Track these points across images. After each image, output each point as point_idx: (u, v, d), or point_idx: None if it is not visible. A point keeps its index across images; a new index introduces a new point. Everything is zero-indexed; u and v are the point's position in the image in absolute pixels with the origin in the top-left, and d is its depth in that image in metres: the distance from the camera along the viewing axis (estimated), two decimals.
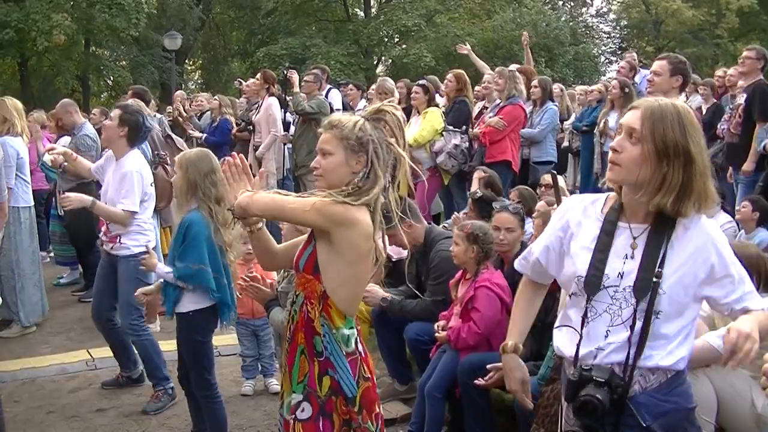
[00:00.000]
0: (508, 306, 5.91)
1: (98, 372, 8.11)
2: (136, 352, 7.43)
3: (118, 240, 7.08)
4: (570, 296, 3.37)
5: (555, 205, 4.52)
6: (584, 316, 3.26)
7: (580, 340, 3.27)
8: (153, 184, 7.38)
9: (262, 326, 7.30)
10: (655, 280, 3.11)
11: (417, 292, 6.65)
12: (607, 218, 3.28)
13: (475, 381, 5.15)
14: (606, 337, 3.22)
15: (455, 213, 8.81)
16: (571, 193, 9.75)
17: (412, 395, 6.90)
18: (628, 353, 3.17)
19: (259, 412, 7.01)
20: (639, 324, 3.14)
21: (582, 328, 3.26)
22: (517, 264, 3.78)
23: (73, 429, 6.80)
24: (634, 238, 3.20)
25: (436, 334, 6.19)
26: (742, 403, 4.74)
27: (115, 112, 7.19)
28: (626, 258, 3.20)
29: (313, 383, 3.80)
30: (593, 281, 3.23)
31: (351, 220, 3.61)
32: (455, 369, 5.87)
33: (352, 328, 3.85)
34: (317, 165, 3.78)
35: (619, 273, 3.19)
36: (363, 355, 3.90)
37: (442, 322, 6.24)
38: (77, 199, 7.12)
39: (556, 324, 3.47)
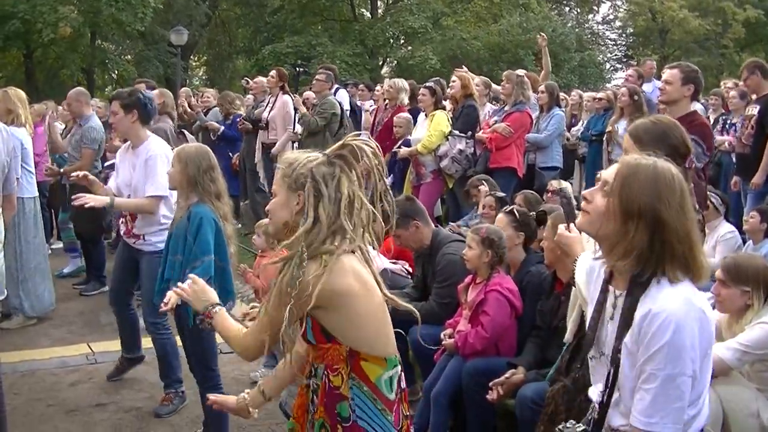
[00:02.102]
0: (517, 311, 5.91)
1: (98, 366, 8.07)
2: (140, 337, 7.46)
3: (142, 238, 6.97)
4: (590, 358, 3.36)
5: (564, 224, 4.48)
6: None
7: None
8: None
9: None
10: (619, 348, 3.05)
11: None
12: (604, 277, 3.24)
13: (487, 396, 5.16)
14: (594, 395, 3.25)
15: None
16: (576, 199, 9.72)
17: (414, 398, 6.88)
18: (593, 417, 3.21)
19: (261, 410, 6.97)
20: (607, 390, 3.12)
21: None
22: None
23: (72, 423, 6.77)
24: (615, 298, 3.14)
25: (443, 342, 6.14)
26: (747, 415, 4.72)
27: (115, 105, 7.03)
28: (608, 321, 3.17)
29: None
30: (587, 342, 3.27)
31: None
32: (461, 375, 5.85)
33: (396, 366, 3.54)
34: (268, 207, 3.60)
35: (604, 338, 3.18)
36: (405, 390, 3.63)
37: (448, 331, 6.19)
38: (95, 200, 6.89)
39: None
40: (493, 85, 12.04)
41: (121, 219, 7.23)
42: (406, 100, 11.69)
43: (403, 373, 3.59)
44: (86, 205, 6.80)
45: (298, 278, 3.29)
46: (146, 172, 6.87)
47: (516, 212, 6.42)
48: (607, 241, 3.05)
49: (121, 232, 7.28)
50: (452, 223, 8.80)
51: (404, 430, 3.59)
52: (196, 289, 3.87)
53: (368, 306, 3.46)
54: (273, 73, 13.45)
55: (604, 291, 3.21)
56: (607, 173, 3.09)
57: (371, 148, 3.45)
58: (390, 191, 3.55)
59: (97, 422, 6.79)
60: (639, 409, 2.94)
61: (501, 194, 8.14)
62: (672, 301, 2.92)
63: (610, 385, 3.09)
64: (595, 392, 3.24)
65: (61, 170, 7.63)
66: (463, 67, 11.83)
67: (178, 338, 6.29)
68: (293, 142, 12.53)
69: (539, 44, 13.89)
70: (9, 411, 5.56)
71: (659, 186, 2.96)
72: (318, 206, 3.37)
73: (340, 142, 3.50)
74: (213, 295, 3.88)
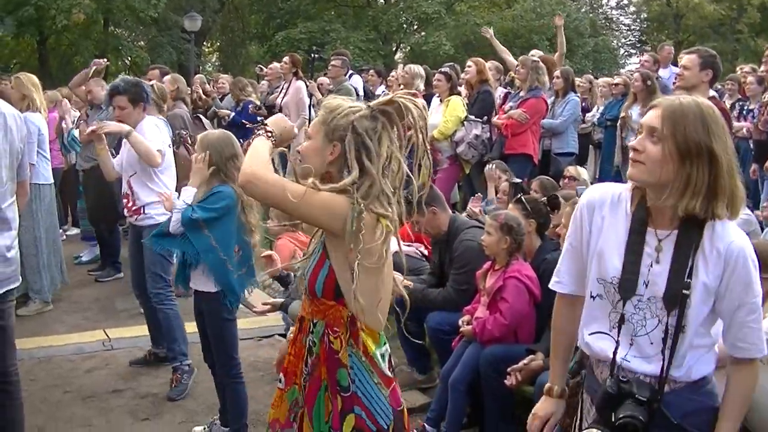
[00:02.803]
0: (536, 299, 5.87)
1: (115, 352, 8.09)
2: None
3: (142, 211, 7.09)
4: (593, 298, 3.27)
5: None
6: (620, 322, 3.19)
7: (616, 348, 3.20)
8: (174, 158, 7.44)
9: None
10: (684, 292, 3.03)
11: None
12: (635, 216, 3.16)
13: (505, 381, 5.12)
14: (631, 346, 3.17)
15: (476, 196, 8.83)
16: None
17: (431, 385, 6.88)
18: (662, 367, 3.11)
19: None
20: (670, 340, 3.08)
21: (619, 335, 3.19)
22: (553, 285, 3.56)
23: (89, 409, 6.78)
24: (659, 241, 3.10)
25: (462, 329, 6.12)
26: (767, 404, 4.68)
27: (122, 100, 7.11)
28: (651, 265, 3.11)
29: (336, 422, 3.43)
30: (628, 286, 3.13)
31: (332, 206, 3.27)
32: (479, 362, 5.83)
33: (385, 343, 3.54)
34: (299, 148, 3.53)
35: (645, 282, 3.11)
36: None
37: (466, 317, 6.18)
38: (115, 126, 7.10)
39: (587, 329, 3.34)
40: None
41: (123, 199, 7.34)
42: (421, 87, 11.63)
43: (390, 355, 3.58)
44: (105, 131, 7.03)
45: (360, 231, 3.22)
46: (143, 134, 7.04)
47: (524, 200, 6.39)
48: (671, 187, 3.00)
49: (125, 212, 7.40)
50: (472, 204, 8.72)
51: (405, 412, 3.57)
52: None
53: (387, 278, 3.44)
54: (286, 59, 13.42)
55: (639, 233, 3.14)
56: (651, 119, 3.04)
57: (418, 108, 3.36)
58: (429, 153, 3.43)
59: (114, 408, 6.80)
60: (756, 338, 3.10)
61: (516, 180, 8.09)
62: (742, 235, 3.08)
63: (676, 325, 3.07)
64: (643, 339, 3.15)
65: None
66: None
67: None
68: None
69: (555, 23, 13.80)
70: (25, 397, 5.56)
71: (707, 121, 2.98)
72: (362, 159, 3.28)
73: (388, 97, 3.39)
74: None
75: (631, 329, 3.15)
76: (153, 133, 7.09)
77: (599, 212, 3.27)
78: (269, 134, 3.51)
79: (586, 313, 3.34)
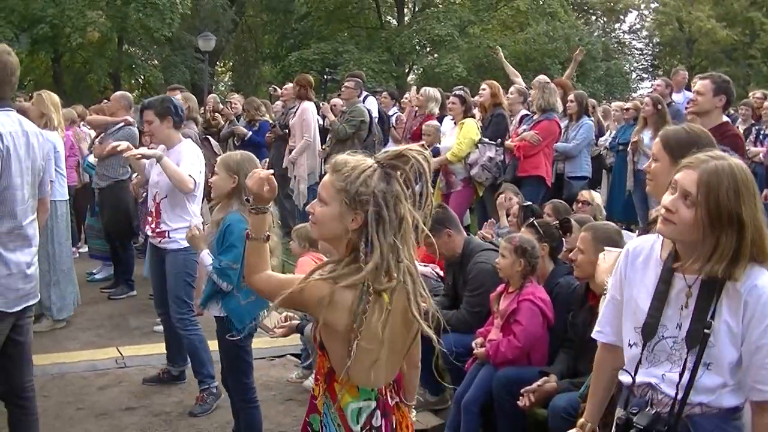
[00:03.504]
0: (549, 321, 5.89)
1: (127, 370, 8.10)
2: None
3: (167, 235, 7.06)
4: (630, 346, 3.38)
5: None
6: (639, 362, 3.31)
7: (633, 381, 3.32)
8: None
9: None
10: (706, 331, 3.11)
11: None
12: (665, 265, 3.27)
13: (518, 402, 5.13)
14: (663, 378, 3.25)
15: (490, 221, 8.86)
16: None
17: (443, 406, 6.88)
18: (675, 395, 3.18)
19: (288, 417, 6.98)
20: (688, 373, 3.15)
21: (635, 372, 3.32)
22: (595, 334, 3.68)
23: (102, 426, 6.79)
24: (689, 287, 3.18)
25: (475, 351, 6.14)
26: None
27: (149, 115, 7.11)
28: (682, 308, 3.21)
29: None
30: (649, 329, 3.26)
31: (332, 302, 3.20)
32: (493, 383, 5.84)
33: (368, 399, 3.37)
34: (311, 210, 3.37)
35: (678, 324, 3.21)
36: (380, 430, 3.41)
37: (479, 339, 6.19)
38: (147, 151, 7.12)
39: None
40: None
41: (147, 218, 7.33)
42: (436, 110, 11.67)
43: (380, 413, 3.39)
44: (137, 157, 7.07)
45: (363, 313, 3.18)
46: (178, 161, 6.97)
47: (537, 224, 6.42)
48: (693, 246, 3.11)
49: (148, 234, 7.37)
50: (485, 230, 8.75)
51: None
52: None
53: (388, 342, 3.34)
54: (295, 81, 13.53)
55: (666, 281, 3.24)
56: (686, 182, 3.11)
57: (426, 158, 3.29)
58: (432, 199, 3.39)
59: (127, 426, 6.80)
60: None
61: (529, 203, 8.11)
62: (765, 277, 3.10)
63: (695, 363, 3.13)
64: (662, 374, 3.25)
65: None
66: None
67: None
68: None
69: (575, 55, 13.92)
70: (40, 413, 5.57)
71: (740, 189, 3.05)
72: (379, 233, 3.19)
73: (396, 151, 3.32)
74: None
75: (667, 368, 3.25)
76: (190, 158, 7.03)
77: (634, 263, 3.42)
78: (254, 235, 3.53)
79: (627, 360, 3.43)
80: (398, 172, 3.27)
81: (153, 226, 7.16)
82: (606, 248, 4.79)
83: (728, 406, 3.18)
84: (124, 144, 7.18)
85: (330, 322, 3.24)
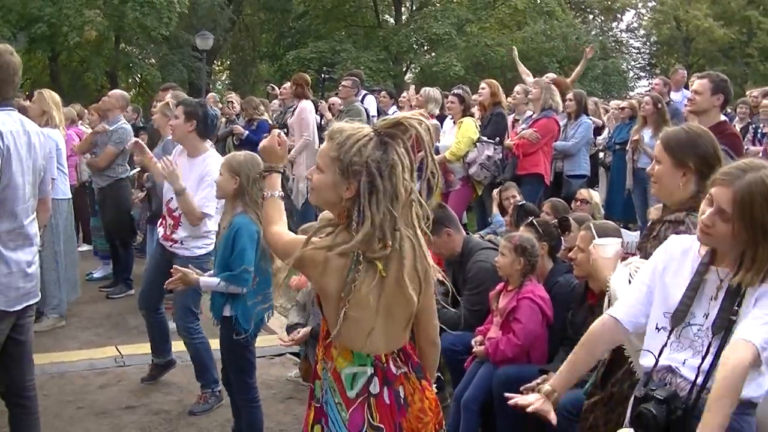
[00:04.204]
0: (549, 320, 5.90)
1: (127, 369, 8.13)
2: (170, 341, 7.54)
3: (180, 242, 7.02)
4: (657, 330, 3.50)
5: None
6: (664, 346, 3.42)
7: (656, 363, 3.42)
8: None
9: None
10: (731, 318, 3.24)
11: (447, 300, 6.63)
12: (702, 260, 3.45)
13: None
14: (684, 363, 3.36)
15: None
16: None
17: (443, 404, 6.87)
18: (695, 379, 3.28)
19: (288, 416, 7.00)
20: (710, 357, 3.25)
21: (659, 355, 3.42)
22: (609, 310, 3.71)
23: (102, 425, 6.81)
24: (721, 281, 3.37)
25: (474, 349, 6.15)
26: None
27: (179, 109, 7.05)
28: (712, 299, 3.36)
29: (306, 429, 3.53)
30: (679, 315, 3.41)
31: (325, 269, 3.27)
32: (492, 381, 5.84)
33: (363, 365, 3.38)
34: (310, 176, 3.45)
35: (705, 314, 3.35)
36: (381, 398, 3.38)
37: (479, 337, 6.21)
38: (173, 176, 6.79)
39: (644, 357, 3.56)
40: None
41: (161, 222, 7.27)
42: (436, 111, 11.66)
43: (378, 380, 3.37)
44: (165, 173, 6.80)
45: (353, 282, 3.22)
46: (202, 187, 6.86)
47: (536, 223, 6.43)
48: (730, 254, 3.36)
49: (159, 236, 7.30)
50: (480, 233, 8.77)
51: None
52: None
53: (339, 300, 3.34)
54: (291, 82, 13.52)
55: (701, 273, 3.42)
56: (721, 199, 3.27)
57: (425, 125, 3.29)
58: (438, 170, 3.37)
59: (126, 425, 6.82)
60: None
61: (523, 202, 8.08)
62: None
63: (718, 348, 3.24)
64: (684, 360, 3.38)
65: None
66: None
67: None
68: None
69: (586, 53, 13.91)
70: (40, 412, 5.58)
71: None
72: (371, 203, 3.20)
73: (394, 119, 3.32)
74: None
75: (689, 354, 3.38)
76: (213, 189, 6.49)
77: (673, 256, 3.59)
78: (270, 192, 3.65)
79: (647, 344, 3.55)
80: (397, 141, 3.27)
81: (168, 232, 7.07)
82: (598, 239, 4.79)
83: (744, 398, 3.21)
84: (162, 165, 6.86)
85: (323, 287, 3.34)
